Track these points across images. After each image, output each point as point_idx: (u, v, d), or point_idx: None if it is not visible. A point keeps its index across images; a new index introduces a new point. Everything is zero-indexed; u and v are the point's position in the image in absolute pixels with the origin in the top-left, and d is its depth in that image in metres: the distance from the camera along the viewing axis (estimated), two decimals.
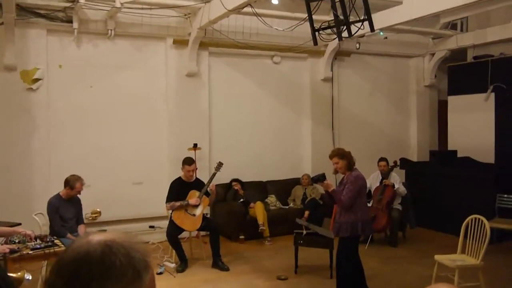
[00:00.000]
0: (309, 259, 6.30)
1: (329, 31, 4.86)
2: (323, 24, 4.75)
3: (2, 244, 4.32)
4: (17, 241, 4.39)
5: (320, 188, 7.68)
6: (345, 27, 4.52)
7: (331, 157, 5.04)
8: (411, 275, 5.95)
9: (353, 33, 4.63)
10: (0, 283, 1.00)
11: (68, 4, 6.88)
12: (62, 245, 4.59)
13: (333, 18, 4.75)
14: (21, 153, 6.79)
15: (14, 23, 6.50)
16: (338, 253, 5.01)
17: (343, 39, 4.64)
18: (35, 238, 4.57)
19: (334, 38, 4.68)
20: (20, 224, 5.57)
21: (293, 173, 8.76)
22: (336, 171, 5.14)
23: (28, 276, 3.59)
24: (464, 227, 5.11)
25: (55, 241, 4.62)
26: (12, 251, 4.18)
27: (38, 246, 4.40)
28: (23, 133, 6.81)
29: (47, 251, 4.40)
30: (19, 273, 3.54)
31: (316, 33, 4.76)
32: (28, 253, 4.31)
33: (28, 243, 4.44)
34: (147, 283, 0.99)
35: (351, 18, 4.67)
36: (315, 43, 4.88)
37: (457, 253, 5.16)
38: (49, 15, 6.90)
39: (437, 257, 5.10)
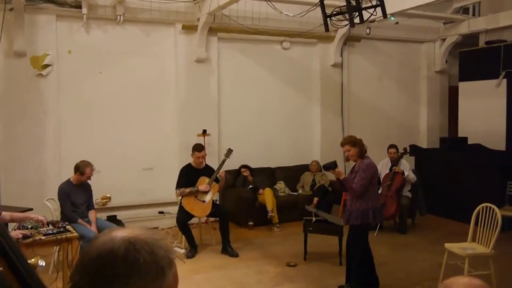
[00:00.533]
0: (318, 246, 6.32)
1: (340, 17, 4.79)
2: (334, 10, 4.69)
3: (15, 230, 4.35)
4: (29, 226, 4.42)
5: (329, 175, 7.67)
6: (357, 13, 4.45)
7: (342, 144, 5.01)
8: (421, 262, 5.96)
9: (365, 19, 4.57)
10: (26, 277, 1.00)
11: None
12: (74, 231, 4.62)
13: (344, 4, 4.69)
14: (32, 139, 6.83)
15: (24, 9, 6.49)
16: (348, 241, 5.01)
17: (355, 25, 4.58)
18: (47, 223, 4.61)
19: (346, 25, 4.60)
20: (31, 209, 5.62)
21: (302, 160, 8.75)
22: (347, 159, 5.12)
23: (42, 263, 3.62)
24: (475, 215, 5.08)
25: (67, 226, 4.65)
26: (25, 237, 4.22)
27: (51, 232, 4.44)
28: (34, 119, 6.84)
29: (59, 236, 4.43)
30: (32, 260, 3.58)
31: (328, 19, 4.69)
32: (40, 239, 4.34)
33: (41, 229, 4.48)
34: (170, 280, 0.99)
35: (363, 4, 4.61)
36: (327, 29, 4.83)
37: (467, 242, 5.14)
38: (58, 1, 6.88)
39: (447, 245, 5.09)
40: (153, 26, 7.64)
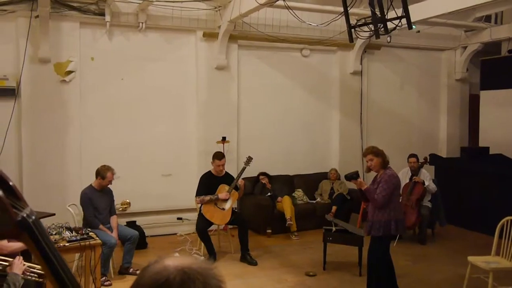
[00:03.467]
0: (337, 255, 6.29)
1: (365, 27, 4.78)
2: (359, 21, 4.68)
3: None
4: (54, 233, 4.48)
5: (348, 183, 7.63)
6: (382, 24, 4.44)
7: (365, 154, 4.99)
8: (442, 274, 5.89)
9: (390, 30, 4.55)
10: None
11: None
12: (97, 238, 4.67)
13: (367, 13, 4.69)
14: (55, 145, 6.91)
15: (49, 16, 6.58)
16: (370, 252, 4.98)
17: (380, 36, 4.56)
18: (71, 230, 4.66)
19: (371, 36, 4.59)
20: (54, 214, 5.69)
21: (320, 167, 8.72)
22: (368, 169, 5.10)
23: None
24: (499, 229, 5.01)
25: (90, 233, 4.70)
26: None
27: (74, 239, 4.49)
28: (57, 125, 6.93)
29: (82, 243, 4.48)
30: None
31: (352, 30, 4.68)
32: (64, 245, 4.39)
33: (64, 235, 4.53)
34: None
35: (388, 15, 4.59)
36: (351, 40, 4.82)
37: (491, 255, 5.07)
38: (82, 8, 6.97)
39: (471, 258, 5.02)
40: (175, 33, 7.70)
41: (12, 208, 0.94)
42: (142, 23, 7.29)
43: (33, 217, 0.97)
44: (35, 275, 3.33)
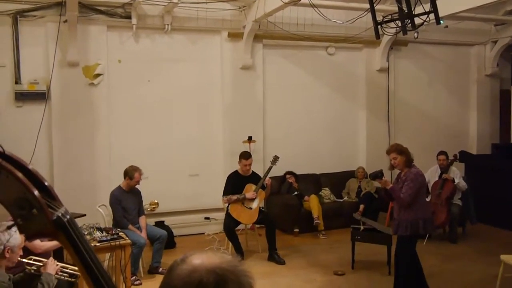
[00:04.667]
0: (366, 255, 6.22)
1: (391, 23, 4.71)
2: (386, 17, 4.62)
3: None
4: (85, 233, 4.56)
5: (375, 182, 7.54)
6: (409, 20, 4.37)
7: (389, 152, 4.91)
8: (474, 274, 5.77)
9: (417, 25, 4.48)
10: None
11: (126, 0, 7.01)
12: (127, 238, 4.73)
13: (393, 9, 4.62)
14: (85, 147, 7.05)
15: (77, 21, 6.71)
16: (397, 251, 4.91)
17: (407, 32, 4.49)
18: (101, 230, 4.74)
19: (398, 32, 4.52)
20: (84, 215, 5.81)
21: (347, 166, 8.65)
22: (392, 167, 5.02)
23: None
24: None
25: (120, 233, 4.77)
26: None
27: (105, 239, 4.56)
28: (86, 127, 7.06)
29: (113, 243, 4.55)
30: None
31: (379, 26, 4.63)
32: (95, 245, 4.47)
33: (95, 235, 4.61)
34: None
35: (415, 10, 4.52)
36: (378, 37, 4.75)
37: None
38: (109, 12, 7.08)
39: (504, 257, 4.90)
40: (200, 34, 7.75)
41: (48, 208, 0.96)
42: (168, 25, 7.36)
43: (68, 217, 0.99)
44: (67, 275, 3.41)
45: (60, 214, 0.98)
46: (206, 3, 7.36)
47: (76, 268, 3.57)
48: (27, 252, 3.49)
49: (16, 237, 2.97)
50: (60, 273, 3.34)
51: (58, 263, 3.38)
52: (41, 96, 6.78)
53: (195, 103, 7.77)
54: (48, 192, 1.00)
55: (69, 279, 3.43)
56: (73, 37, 6.80)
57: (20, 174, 0.96)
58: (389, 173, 7.63)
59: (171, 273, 1.01)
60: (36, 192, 0.95)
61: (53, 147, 6.91)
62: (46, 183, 1.00)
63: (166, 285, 1.00)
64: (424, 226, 4.75)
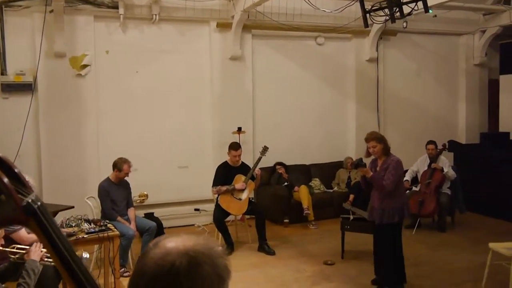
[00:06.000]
0: (356, 244, 6.24)
1: (380, 12, 4.69)
2: (374, 5, 4.60)
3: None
4: (73, 225, 4.53)
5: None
6: (397, 8, 4.35)
7: (368, 140, 4.91)
8: (463, 262, 5.81)
9: (405, 13, 4.46)
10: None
11: None
12: (115, 229, 4.71)
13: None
14: (73, 138, 6.98)
15: (63, 11, 6.62)
16: (384, 240, 4.92)
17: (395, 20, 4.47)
18: (89, 222, 4.70)
19: (387, 20, 4.51)
20: (73, 207, 5.75)
21: (337, 156, 8.67)
22: (368, 154, 5.02)
23: (86, 255, 3.71)
24: None
25: (108, 225, 4.74)
26: (69, 235, 4.31)
27: (93, 230, 4.53)
28: (74, 119, 6.99)
29: (101, 235, 4.52)
30: (77, 252, 3.67)
31: (367, 14, 4.61)
32: (83, 237, 4.43)
33: (83, 227, 4.58)
34: (228, 285, 0.99)
35: None
36: (366, 25, 4.74)
37: None
38: (96, 2, 6.99)
39: (492, 245, 4.94)
40: (188, 24, 7.69)
41: (17, 194, 0.93)
42: (156, 15, 7.29)
43: (39, 203, 0.97)
44: (52, 260, 3.37)
45: (30, 200, 0.95)
46: None
47: None
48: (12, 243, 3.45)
49: None
50: (45, 259, 3.31)
51: (42, 249, 3.35)
52: (27, 88, 6.69)
53: (184, 94, 7.72)
54: (18, 179, 0.97)
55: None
56: (60, 27, 6.70)
57: None
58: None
59: (144, 258, 0.98)
60: (5, 179, 0.93)
61: (41, 139, 6.84)
62: (16, 170, 0.98)
63: (139, 271, 0.97)
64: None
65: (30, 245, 3.78)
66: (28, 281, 3.03)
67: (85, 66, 7.01)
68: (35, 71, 6.72)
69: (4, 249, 3.18)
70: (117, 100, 7.31)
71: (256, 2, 6.87)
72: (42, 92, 6.80)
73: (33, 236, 3.91)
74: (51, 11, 6.59)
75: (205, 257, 0.96)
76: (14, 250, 3.30)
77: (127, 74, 7.36)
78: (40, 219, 0.96)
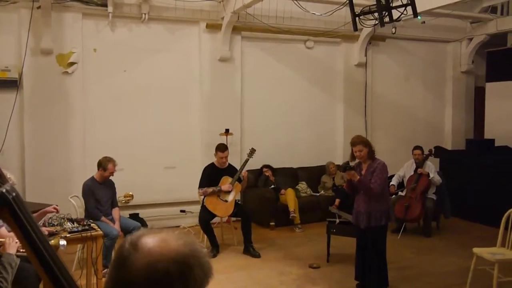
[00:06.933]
0: (341, 248, 6.23)
1: (369, 16, 4.70)
2: (364, 8, 4.61)
3: (40, 227, 4.38)
4: (55, 223, 4.45)
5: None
6: (387, 12, 4.37)
7: (355, 144, 4.92)
8: (447, 266, 5.83)
9: (395, 18, 4.48)
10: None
11: None
12: (99, 229, 4.64)
13: (373, 3, 4.62)
14: (58, 137, 6.89)
15: (51, 7, 6.54)
16: (372, 243, 4.91)
17: (385, 24, 4.49)
18: (72, 221, 4.64)
19: (376, 24, 4.52)
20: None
21: (324, 160, 8.64)
22: (353, 158, 5.03)
23: (63, 242, 3.65)
24: (504, 220, 4.95)
25: (92, 224, 4.67)
26: (51, 234, 4.24)
27: (76, 229, 4.46)
28: (60, 117, 6.90)
29: (84, 234, 4.45)
30: (53, 241, 3.60)
31: (356, 18, 4.61)
32: (66, 236, 4.35)
33: (66, 226, 4.50)
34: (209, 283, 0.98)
35: (393, 3, 4.52)
36: (355, 28, 4.75)
37: (496, 246, 5.01)
38: None
39: (476, 250, 4.96)
40: (178, 24, 7.65)
41: None
42: (145, 14, 7.24)
43: (14, 194, 0.93)
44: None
45: (4, 190, 0.91)
46: None
47: None
48: None
49: None
50: (21, 250, 3.23)
51: (17, 240, 3.27)
52: (12, 84, 6.59)
53: (173, 94, 7.67)
54: None
55: None
56: (47, 24, 6.63)
57: None
58: None
59: (125, 264, 0.92)
60: None
61: (25, 137, 6.74)
62: None
63: (123, 279, 0.92)
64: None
65: None
66: (5, 276, 2.95)
67: (72, 63, 6.94)
68: (20, 67, 6.63)
69: None
70: (104, 99, 7.23)
71: (246, 4, 6.86)
72: (27, 89, 6.71)
73: (13, 234, 3.83)
74: (39, 7, 6.52)
75: (194, 259, 0.95)
76: None
77: (115, 73, 7.29)
78: (14, 210, 0.92)
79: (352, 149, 4.90)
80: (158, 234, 0.98)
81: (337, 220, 6.04)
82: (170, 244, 0.95)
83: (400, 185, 7.49)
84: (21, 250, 3.21)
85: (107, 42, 7.20)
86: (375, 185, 4.72)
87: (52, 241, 3.57)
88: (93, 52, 7.13)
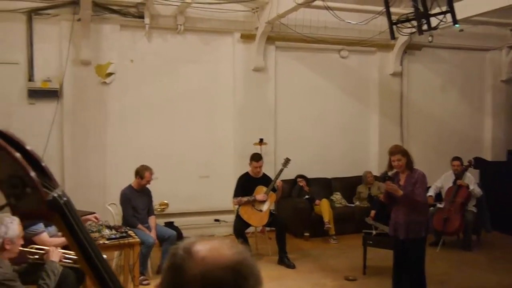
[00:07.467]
0: (378, 260, 6.10)
1: (407, 24, 4.63)
2: (401, 17, 4.54)
3: None
4: (94, 230, 4.53)
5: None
6: (425, 19, 4.29)
7: (393, 153, 4.78)
8: (489, 283, 5.62)
9: (433, 26, 4.39)
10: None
11: (140, 0, 7.02)
12: (136, 236, 4.69)
13: (409, 11, 4.55)
14: (96, 145, 7.04)
15: (90, 19, 6.72)
16: (411, 255, 4.79)
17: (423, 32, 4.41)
18: (110, 228, 4.70)
19: (413, 32, 4.44)
20: (94, 213, 5.75)
21: (359, 170, 8.52)
22: (391, 168, 4.89)
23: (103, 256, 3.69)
24: None
25: (129, 232, 4.73)
26: None
27: (114, 236, 4.52)
28: (97, 126, 7.05)
29: (122, 241, 4.51)
30: None
31: (394, 26, 4.55)
32: (104, 243, 4.43)
33: (104, 233, 4.57)
34: None
35: (432, 10, 4.43)
36: (392, 37, 4.68)
37: None
38: (122, 11, 7.09)
39: None
40: (212, 35, 7.73)
41: (43, 188, 0.91)
42: (180, 25, 7.35)
43: (65, 199, 0.94)
44: (71, 261, 3.36)
45: (56, 195, 0.92)
46: (219, 3, 7.33)
47: None
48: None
49: (13, 228, 2.95)
50: (64, 260, 3.29)
51: (60, 250, 3.34)
52: (53, 94, 6.79)
53: (207, 104, 7.74)
54: (44, 173, 0.94)
55: (74, 265, 3.39)
56: (87, 35, 6.81)
57: (17, 154, 0.91)
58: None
59: (179, 271, 0.92)
60: (32, 173, 0.90)
61: (64, 145, 6.91)
62: (43, 164, 0.95)
63: (176, 287, 0.92)
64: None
65: None
66: (48, 282, 3.02)
67: (110, 74, 7.09)
68: (61, 78, 6.82)
69: (23, 249, 3.18)
70: (140, 108, 7.35)
71: (281, 14, 6.88)
72: (67, 99, 6.89)
73: (54, 240, 3.92)
74: (79, 19, 6.71)
75: (248, 269, 0.94)
76: (33, 250, 3.30)
77: (150, 83, 7.41)
78: (65, 215, 0.93)
79: (390, 159, 4.78)
80: (210, 242, 0.97)
81: (374, 232, 5.92)
82: (224, 253, 0.94)
83: (438, 197, 7.30)
84: (63, 260, 3.28)
85: (143, 53, 7.34)
86: (421, 197, 4.66)
87: None
88: (130, 63, 7.28)
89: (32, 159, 0.95)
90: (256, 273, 0.95)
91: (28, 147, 0.96)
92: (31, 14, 6.68)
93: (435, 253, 6.60)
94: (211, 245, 0.96)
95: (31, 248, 3.32)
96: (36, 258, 3.27)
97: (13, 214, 0.93)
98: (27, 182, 0.89)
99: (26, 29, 6.69)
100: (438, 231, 6.84)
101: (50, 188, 0.93)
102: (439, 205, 7.13)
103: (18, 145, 0.94)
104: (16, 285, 2.77)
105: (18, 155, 0.90)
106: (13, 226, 2.93)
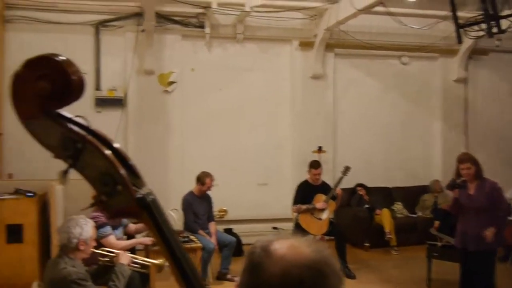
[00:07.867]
0: (442, 273, 5.84)
1: (474, 27, 4.46)
2: (469, 20, 4.38)
3: (144, 236, 4.59)
4: None
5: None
6: (495, 22, 4.11)
7: (462, 161, 4.56)
8: None
9: (503, 28, 4.20)
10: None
11: (200, 10, 7.19)
12: (198, 241, 4.76)
13: (474, 14, 4.38)
14: (158, 152, 7.24)
15: (154, 30, 6.95)
16: (478, 269, 4.56)
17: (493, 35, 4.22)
18: None
19: (482, 35, 4.26)
20: None
21: (420, 180, 8.26)
22: (459, 176, 4.66)
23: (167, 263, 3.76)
24: None
25: (191, 237, 4.80)
26: (154, 244, 4.41)
27: None
28: (160, 133, 7.26)
29: (184, 246, 4.57)
30: (160, 260, 3.74)
31: (461, 29, 4.39)
32: None
33: None
34: None
35: (502, 12, 4.25)
36: (459, 41, 4.53)
37: None
38: (184, 22, 7.30)
39: None
40: (271, 43, 7.78)
41: (132, 186, 0.93)
42: (240, 34, 7.46)
43: (152, 197, 0.96)
44: (139, 266, 3.45)
45: (144, 193, 0.94)
46: (278, 11, 7.36)
47: (147, 259, 3.64)
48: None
49: (87, 230, 3.05)
50: (132, 264, 3.39)
51: (129, 254, 3.44)
52: (118, 103, 7.06)
53: (265, 111, 7.78)
54: (132, 171, 0.97)
55: (141, 270, 3.48)
56: (150, 46, 7.04)
57: (107, 152, 0.94)
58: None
59: (258, 270, 0.91)
60: (122, 170, 0.93)
61: (128, 152, 7.00)
62: (130, 162, 0.98)
63: (255, 286, 0.92)
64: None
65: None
66: (118, 284, 3.11)
67: (172, 83, 7.29)
68: (126, 87, 7.08)
69: (95, 251, 3.30)
70: (200, 116, 7.50)
71: (340, 21, 6.83)
72: (131, 107, 7.14)
73: (121, 243, 4.04)
74: (143, 30, 6.95)
75: (328, 267, 0.92)
76: (104, 252, 3.42)
77: (210, 91, 7.55)
78: (153, 213, 0.95)
79: (458, 166, 4.58)
80: (288, 240, 0.96)
81: (439, 243, 5.69)
82: (302, 251, 0.92)
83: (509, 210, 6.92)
84: (132, 264, 3.38)
85: (203, 62, 7.49)
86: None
87: (161, 260, 3.69)
88: (191, 72, 7.45)
89: (120, 156, 0.98)
90: (337, 272, 0.93)
91: (116, 145, 0.98)
92: (98, 26, 7.00)
93: (506, 268, 6.26)
94: (290, 243, 0.95)
95: (102, 250, 3.44)
96: (107, 260, 3.38)
97: (104, 211, 0.96)
98: (117, 179, 0.91)
99: (94, 40, 7.01)
100: (509, 245, 6.48)
101: (138, 186, 0.95)
102: (509, 218, 6.76)
103: (106, 143, 0.97)
104: (88, 285, 2.88)
105: (109, 152, 0.92)
106: (87, 227, 3.05)
